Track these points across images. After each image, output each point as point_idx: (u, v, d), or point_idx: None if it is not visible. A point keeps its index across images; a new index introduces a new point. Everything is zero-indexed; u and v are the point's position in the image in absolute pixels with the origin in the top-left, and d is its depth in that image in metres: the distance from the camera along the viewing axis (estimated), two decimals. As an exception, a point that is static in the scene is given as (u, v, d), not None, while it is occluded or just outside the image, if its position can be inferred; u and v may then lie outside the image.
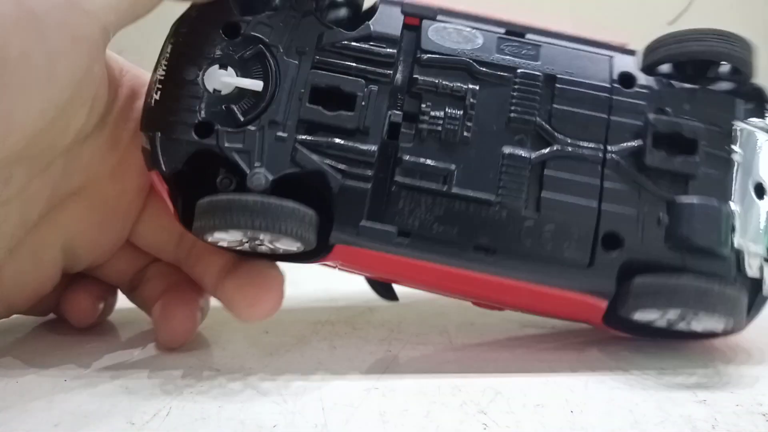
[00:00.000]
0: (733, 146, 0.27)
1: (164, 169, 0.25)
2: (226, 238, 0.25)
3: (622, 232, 0.25)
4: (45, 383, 0.25)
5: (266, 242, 0.25)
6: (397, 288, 0.31)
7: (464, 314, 0.33)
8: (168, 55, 0.26)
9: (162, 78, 0.26)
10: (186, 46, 0.26)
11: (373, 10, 0.27)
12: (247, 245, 0.25)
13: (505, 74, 0.26)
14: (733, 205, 0.26)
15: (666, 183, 0.26)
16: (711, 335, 0.28)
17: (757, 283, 0.27)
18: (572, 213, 0.25)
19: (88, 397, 0.24)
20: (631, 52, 0.28)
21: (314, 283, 0.38)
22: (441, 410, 0.24)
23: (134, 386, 0.25)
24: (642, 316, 0.26)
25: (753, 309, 0.27)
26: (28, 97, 0.23)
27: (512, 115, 0.26)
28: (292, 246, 0.25)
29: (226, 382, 0.26)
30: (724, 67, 0.28)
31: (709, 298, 0.24)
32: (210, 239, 0.25)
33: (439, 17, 0.27)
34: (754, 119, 0.28)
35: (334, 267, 0.29)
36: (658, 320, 0.27)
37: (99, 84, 0.26)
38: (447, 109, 0.26)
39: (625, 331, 0.29)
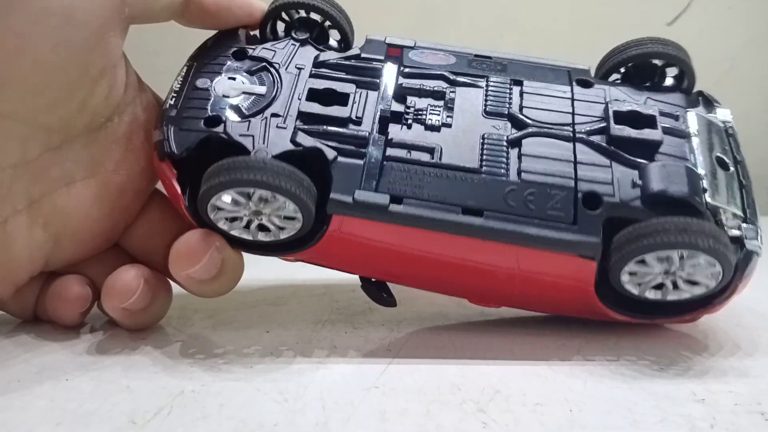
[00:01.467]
0: (688, 125, 0.30)
1: (176, 151, 0.28)
2: (228, 207, 0.26)
3: (600, 192, 0.27)
4: (46, 382, 0.26)
5: (268, 216, 0.27)
6: (397, 288, 0.31)
7: (464, 314, 0.33)
8: (183, 73, 0.30)
9: (177, 88, 0.30)
10: (199, 64, 0.30)
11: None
12: (246, 219, 0.27)
13: (478, 80, 0.31)
14: (699, 170, 0.28)
15: (636, 152, 0.28)
16: (708, 304, 0.28)
17: (738, 241, 0.27)
18: (551, 177, 0.27)
19: (89, 396, 0.25)
20: (586, 70, 0.32)
21: (315, 284, 0.38)
22: (441, 409, 0.24)
23: (136, 385, 0.25)
24: (630, 279, 0.27)
25: (740, 264, 0.27)
26: (43, 25, 0.24)
27: (488, 108, 0.30)
28: (293, 216, 0.27)
29: (227, 381, 0.26)
30: (671, 72, 0.32)
31: (690, 231, 0.25)
32: (213, 214, 0.27)
33: (417, 46, 0.32)
34: (702, 109, 0.31)
35: (328, 266, 0.30)
36: (646, 283, 0.27)
37: (115, 61, 0.27)
38: (429, 103, 0.30)
39: (620, 311, 0.29)
